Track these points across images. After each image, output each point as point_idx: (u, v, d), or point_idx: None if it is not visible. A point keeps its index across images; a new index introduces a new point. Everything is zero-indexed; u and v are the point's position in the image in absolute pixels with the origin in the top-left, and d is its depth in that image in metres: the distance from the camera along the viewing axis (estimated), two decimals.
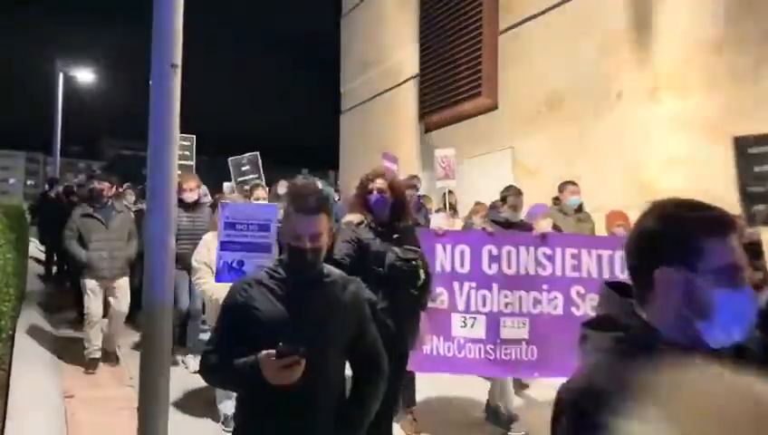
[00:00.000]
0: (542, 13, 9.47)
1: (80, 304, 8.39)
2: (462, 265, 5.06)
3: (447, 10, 11.27)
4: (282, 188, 9.51)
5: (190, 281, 6.39)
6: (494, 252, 5.09)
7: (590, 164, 8.35)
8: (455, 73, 10.97)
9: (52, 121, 18.57)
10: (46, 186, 13.04)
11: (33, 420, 4.75)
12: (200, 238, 6.22)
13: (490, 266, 5.09)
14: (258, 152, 8.56)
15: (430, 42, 11.73)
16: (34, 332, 7.22)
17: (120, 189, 9.44)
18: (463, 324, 5.04)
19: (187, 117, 4.19)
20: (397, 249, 3.84)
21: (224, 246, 4.18)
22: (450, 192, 7.43)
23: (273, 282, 2.37)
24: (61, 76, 18.80)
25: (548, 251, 5.11)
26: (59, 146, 18.93)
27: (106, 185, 6.79)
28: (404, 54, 12.96)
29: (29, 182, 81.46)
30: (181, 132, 3.98)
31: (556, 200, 6.73)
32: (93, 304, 6.49)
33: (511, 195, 5.56)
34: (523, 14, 9.84)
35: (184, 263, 6.23)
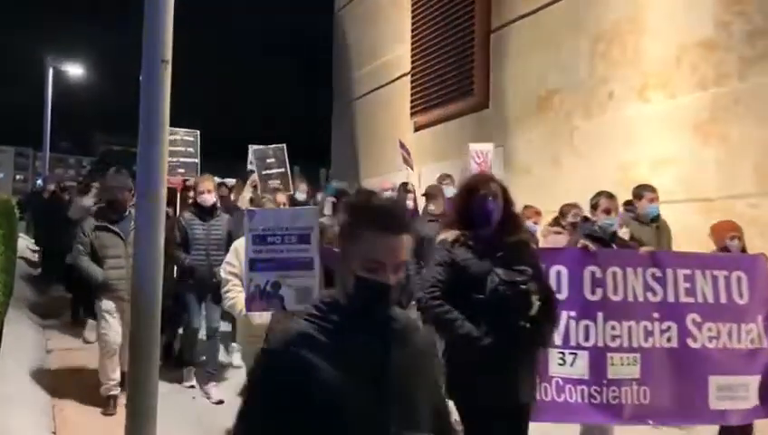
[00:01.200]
0: (534, 12, 9.48)
1: (75, 308, 8.27)
2: (558, 289, 4.16)
3: (439, 8, 11.27)
4: (301, 192, 8.86)
5: (204, 297, 6.06)
6: (598, 274, 4.28)
7: (579, 163, 8.39)
8: (446, 72, 10.97)
9: (41, 116, 18.47)
10: (39, 182, 12.93)
11: (21, 417, 4.73)
12: (216, 249, 5.99)
13: (593, 292, 4.27)
14: (284, 145, 7.95)
15: (422, 40, 11.72)
16: (23, 327, 7.18)
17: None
18: (561, 362, 4.21)
19: (178, 113, 4.14)
20: (500, 271, 3.14)
21: (253, 265, 3.30)
22: None
23: (328, 336, 1.59)
24: (50, 71, 18.69)
25: (658, 272, 4.38)
26: (48, 141, 18.83)
27: (127, 194, 5.60)
28: (397, 51, 12.95)
29: (18, 177, 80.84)
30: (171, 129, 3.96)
31: (628, 205, 5.97)
32: (111, 329, 5.47)
33: (603, 198, 4.66)
34: (515, 14, 9.85)
35: (197, 276, 5.94)
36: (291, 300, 3.10)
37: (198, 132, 7.68)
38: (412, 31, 11.99)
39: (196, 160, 7.57)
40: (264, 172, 7.76)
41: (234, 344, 6.74)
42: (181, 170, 7.37)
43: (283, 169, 7.75)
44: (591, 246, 4.32)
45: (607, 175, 7.92)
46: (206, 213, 6.13)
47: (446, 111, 11.17)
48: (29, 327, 7.39)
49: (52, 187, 12.14)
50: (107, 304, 5.49)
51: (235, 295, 4.35)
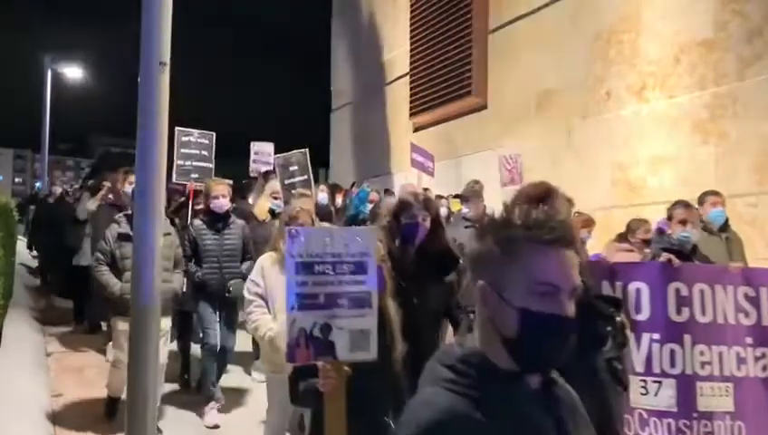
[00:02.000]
0: (532, 12, 9.49)
1: (80, 317, 7.90)
2: (638, 309, 3.70)
3: (438, 9, 11.28)
4: (323, 194, 8.04)
5: (219, 312, 5.50)
6: (684, 292, 3.81)
7: (577, 163, 8.39)
8: (444, 72, 10.97)
9: (40, 118, 18.45)
10: (38, 185, 12.49)
11: (20, 420, 4.73)
12: (230, 260, 5.55)
13: (679, 311, 3.78)
14: (306, 149, 7.29)
15: (420, 40, 11.72)
16: (22, 330, 7.18)
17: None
18: (644, 391, 3.73)
19: (177, 115, 4.13)
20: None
21: (297, 302, 2.49)
22: None
23: (487, 415, 1.16)
24: (49, 73, 18.68)
25: (751, 292, 3.88)
26: (47, 143, 18.82)
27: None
28: (395, 52, 12.96)
29: (17, 179, 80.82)
30: (170, 130, 3.95)
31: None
32: (126, 354, 4.47)
33: (680, 208, 4.23)
34: (513, 14, 9.86)
35: (210, 291, 5.46)
36: (344, 348, 2.46)
37: (214, 134, 7.17)
38: (411, 32, 11.99)
39: (211, 165, 7.09)
40: (287, 181, 7.08)
41: (257, 362, 6.16)
42: (195, 175, 6.86)
43: (306, 177, 7.06)
44: (676, 260, 3.88)
45: (606, 174, 7.94)
46: (218, 220, 5.58)
47: (444, 112, 11.18)
48: (28, 329, 7.38)
49: (58, 190, 11.57)
50: (123, 324, 4.64)
51: (259, 317, 3.96)
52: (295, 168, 7.08)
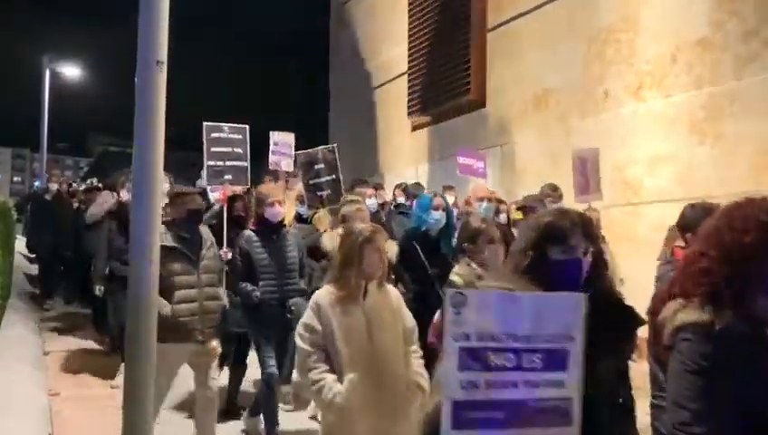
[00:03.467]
0: (530, 11, 9.49)
1: (101, 329, 7.11)
2: None
3: (436, 7, 11.28)
4: (371, 200, 7.00)
5: (276, 336, 4.86)
6: None
7: None
8: (443, 71, 10.98)
9: (38, 117, 18.45)
10: (37, 184, 11.97)
11: (18, 418, 4.74)
12: (289, 277, 4.92)
13: None
14: (335, 145, 6.68)
15: (419, 39, 11.73)
16: (20, 329, 7.18)
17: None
18: None
19: (172, 113, 4.10)
20: None
21: (462, 415, 1.44)
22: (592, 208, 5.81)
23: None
24: (47, 72, 18.68)
25: None
26: (46, 142, 18.82)
27: (201, 203, 4.72)
28: (394, 51, 12.96)
29: (15, 179, 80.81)
30: (166, 130, 3.92)
31: None
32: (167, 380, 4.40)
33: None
34: (511, 13, 9.86)
35: (268, 313, 4.79)
36: None
37: (247, 128, 6.23)
38: (409, 30, 12.00)
39: (246, 164, 6.15)
40: (311, 181, 6.22)
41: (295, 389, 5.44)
42: (228, 177, 6.00)
43: (333, 176, 6.23)
44: None
45: (603, 174, 7.92)
46: (273, 231, 4.96)
47: (443, 111, 11.18)
48: (27, 329, 7.38)
49: (55, 186, 10.87)
50: (176, 353, 4.35)
51: (321, 377, 3.14)
52: (321, 166, 6.31)
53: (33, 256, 11.60)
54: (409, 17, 12.01)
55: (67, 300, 9.76)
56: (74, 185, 12.66)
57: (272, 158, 7.60)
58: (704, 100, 6.91)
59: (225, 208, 5.78)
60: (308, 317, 3.25)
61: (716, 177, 6.64)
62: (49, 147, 19.41)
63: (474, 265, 3.81)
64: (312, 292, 3.97)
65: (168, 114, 3.84)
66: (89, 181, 12.22)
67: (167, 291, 4.24)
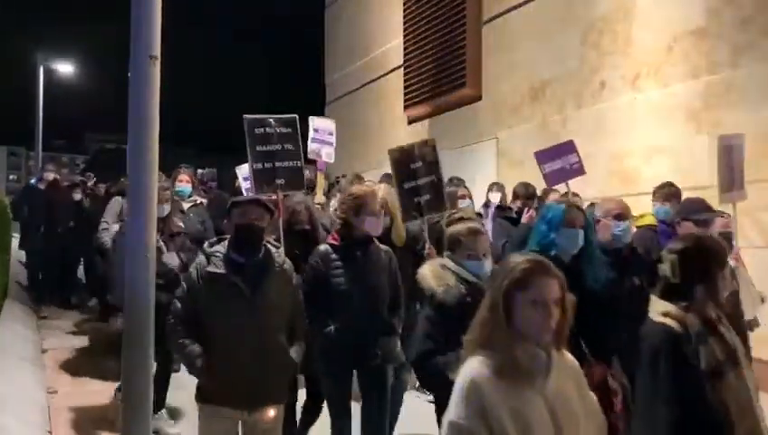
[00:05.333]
0: (526, 2, 9.46)
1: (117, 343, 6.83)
2: None
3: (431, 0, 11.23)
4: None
5: (368, 391, 3.74)
6: None
7: None
8: (438, 64, 10.95)
9: (33, 115, 18.39)
10: (32, 182, 10.70)
11: (17, 416, 4.73)
12: (376, 309, 3.74)
13: None
14: (434, 139, 5.43)
15: (414, 32, 11.68)
16: (18, 326, 7.17)
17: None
18: None
19: (167, 108, 4.03)
20: None
21: None
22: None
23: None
24: (41, 69, 18.60)
25: None
26: (41, 140, 18.75)
27: (266, 218, 3.43)
28: (390, 44, 12.92)
29: (11, 177, 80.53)
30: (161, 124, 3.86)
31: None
32: None
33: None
34: (507, 4, 9.83)
35: (348, 356, 3.68)
36: None
37: (296, 118, 5.19)
38: (404, 23, 11.95)
39: (300, 163, 5.06)
40: (406, 185, 4.88)
41: None
42: (280, 181, 4.90)
43: (433, 177, 4.99)
44: None
45: (601, 165, 7.93)
46: (360, 247, 3.80)
47: (439, 104, 11.16)
48: (25, 326, 7.37)
49: (51, 176, 9.82)
50: (211, 417, 3.26)
51: None
52: (419, 164, 4.96)
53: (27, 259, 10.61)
54: (405, 10, 11.96)
55: (62, 303, 9.19)
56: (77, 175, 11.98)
57: (311, 146, 6.73)
58: (700, 89, 6.90)
59: (281, 221, 4.52)
60: (460, 410, 1.97)
61: (714, 166, 6.63)
62: (44, 144, 19.36)
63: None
64: (406, 330, 3.69)
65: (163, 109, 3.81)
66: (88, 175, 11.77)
67: (210, 337, 3.19)
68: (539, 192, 6.41)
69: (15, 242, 10.82)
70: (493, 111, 10.09)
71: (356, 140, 13.81)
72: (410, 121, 12.18)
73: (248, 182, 5.75)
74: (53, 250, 9.20)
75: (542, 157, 5.82)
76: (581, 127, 8.38)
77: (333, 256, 3.77)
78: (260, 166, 4.91)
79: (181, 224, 5.58)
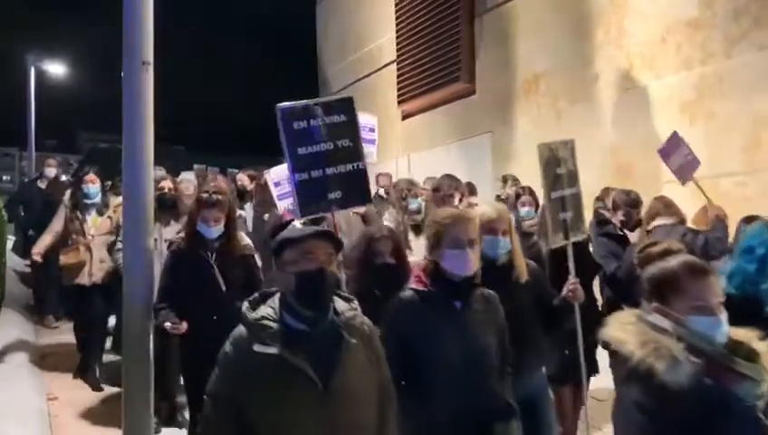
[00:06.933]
0: None
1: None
2: None
3: None
4: (526, 206, 4.96)
5: None
6: None
7: None
8: (432, 59, 10.92)
9: (25, 116, 18.29)
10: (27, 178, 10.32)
11: (18, 423, 4.72)
12: (484, 378, 2.71)
13: None
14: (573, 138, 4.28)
15: (407, 26, 11.65)
16: (15, 332, 7.14)
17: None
18: None
19: (159, 105, 3.96)
20: None
21: None
22: None
23: None
24: (33, 70, 18.50)
25: None
26: (33, 140, 18.66)
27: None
28: (382, 39, 12.88)
29: (5, 177, 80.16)
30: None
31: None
32: None
33: None
34: None
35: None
36: None
37: (353, 99, 3.88)
38: (396, 18, 11.92)
39: (362, 165, 3.80)
40: (554, 194, 3.82)
41: None
42: (335, 195, 3.71)
43: (575, 190, 4.02)
44: None
45: (596, 158, 7.94)
46: (456, 292, 2.75)
47: (433, 99, 11.13)
48: (23, 332, 7.34)
49: (53, 172, 9.37)
50: None
51: None
52: (562, 170, 3.91)
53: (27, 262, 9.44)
54: (396, 4, 11.93)
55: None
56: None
57: None
58: (694, 80, 6.90)
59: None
60: None
61: (708, 157, 6.64)
62: (37, 145, 19.23)
63: None
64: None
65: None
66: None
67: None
68: (598, 192, 5.70)
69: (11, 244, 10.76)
70: (487, 105, 10.08)
71: None
72: (404, 117, 12.16)
73: (280, 188, 5.17)
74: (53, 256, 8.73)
75: (665, 150, 5.41)
76: (576, 119, 8.39)
77: (420, 306, 2.72)
78: (305, 176, 3.59)
79: (248, 241, 4.35)
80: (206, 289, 3.89)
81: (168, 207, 5.24)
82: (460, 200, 5.47)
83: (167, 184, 5.46)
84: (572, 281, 3.45)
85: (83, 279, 5.91)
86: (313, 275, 2.13)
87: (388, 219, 5.42)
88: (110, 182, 7.62)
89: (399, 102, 11.94)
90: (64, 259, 5.96)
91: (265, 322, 2.13)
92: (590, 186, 7.13)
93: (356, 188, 3.74)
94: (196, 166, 9.02)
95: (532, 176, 7.12)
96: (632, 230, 4.73)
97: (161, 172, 5.85)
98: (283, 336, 2.10)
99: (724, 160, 6.47)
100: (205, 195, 4.06)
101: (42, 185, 9.17)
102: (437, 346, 2.64)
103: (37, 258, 6.27)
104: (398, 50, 11.86)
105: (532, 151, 7.62)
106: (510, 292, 2.99)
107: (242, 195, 7.30)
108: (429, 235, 2.83)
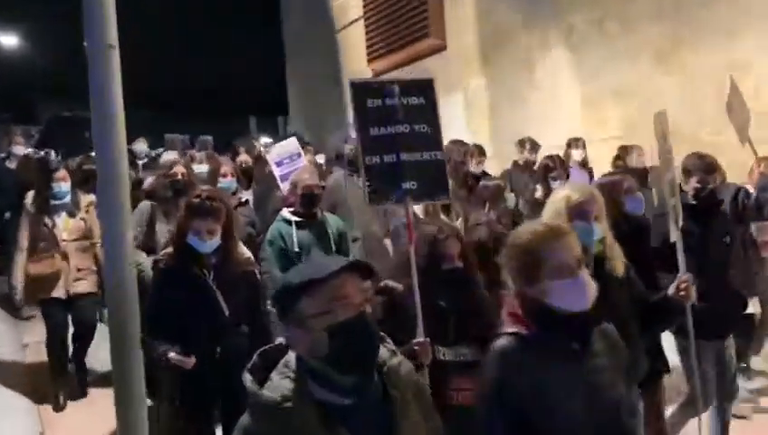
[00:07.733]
0: None
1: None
2: None
3: None
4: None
5: None
6: None
7: (543, 101, 8.34)
8: (400, 14, 10.67)
9: None
10: None
11: (7, 417, 4.68)
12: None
13: None
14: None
15: None
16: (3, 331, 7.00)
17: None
18: None
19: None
20: None
21: None
22: None
23: None
24: None
25: None
26: None
27: None
28: None
29: None
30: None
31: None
32: None
33: None
34: None
35: None
36: None
37: (432, 81, 3.40)
38: None
39: (440, 155, 3.26)
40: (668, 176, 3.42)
41: None
42: (410, 185, 3.13)
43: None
44: None
45: (572, 109, 7.94)
46: (578, 333, 2.04)
47: (403, 56, 10.91)
48: (2, 322, 7.18)
49: (21, 150, 8.54)
50: None
51: None
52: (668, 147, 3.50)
53: None
54: None
55: None
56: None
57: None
58: (667, 32, 6.87)
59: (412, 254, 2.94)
60: None
61: (684, 108, 6.65)
62: None
63: None
64: None
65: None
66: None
67: None
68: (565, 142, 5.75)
69: None
70: (459, 60, 9.92)
71: (318, 96, 13.54)
72: (375, 75, 11.93)
73: (282, 169, 4.71)
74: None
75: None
76: (551, 70, 8.32)
77: (529, 356, 2.00)
78: (376, 160, 3.13)
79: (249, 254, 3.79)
80: (206, 315, 3.30)
81: (181, 196, 4.40)
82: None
83: (179, 169, 4.82)
84: (684, 278, 2.94)
85: (59, 292, 5.13)
86: (355, 326, 1.50)
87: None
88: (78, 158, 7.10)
89: (369, 61, 11.71)
90: (35, 269, 5.09)
91: (287, 405, 1.46)
92: (563, 137, 7.14)
93: (434, 180, 3.20)
94: (167, 135, 8.25)
95: (508, 126, 7.07)
96: (707, 199, 4.04)
97: (172, 155, 5.29)
98: (321, 422, 1.48)
99: (699, 110, 6.54)
100: (196, 200, 3.37)
101: (11, 165, 8.40)
102: (557, 407, 1.96)
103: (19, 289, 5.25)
104: (364, 6, 11.57)
105: (508, 104, 7.25)
106: (604, 286, 2.24)
107: (248, 176, 6.61)
108: (515, 266, 2.10)
